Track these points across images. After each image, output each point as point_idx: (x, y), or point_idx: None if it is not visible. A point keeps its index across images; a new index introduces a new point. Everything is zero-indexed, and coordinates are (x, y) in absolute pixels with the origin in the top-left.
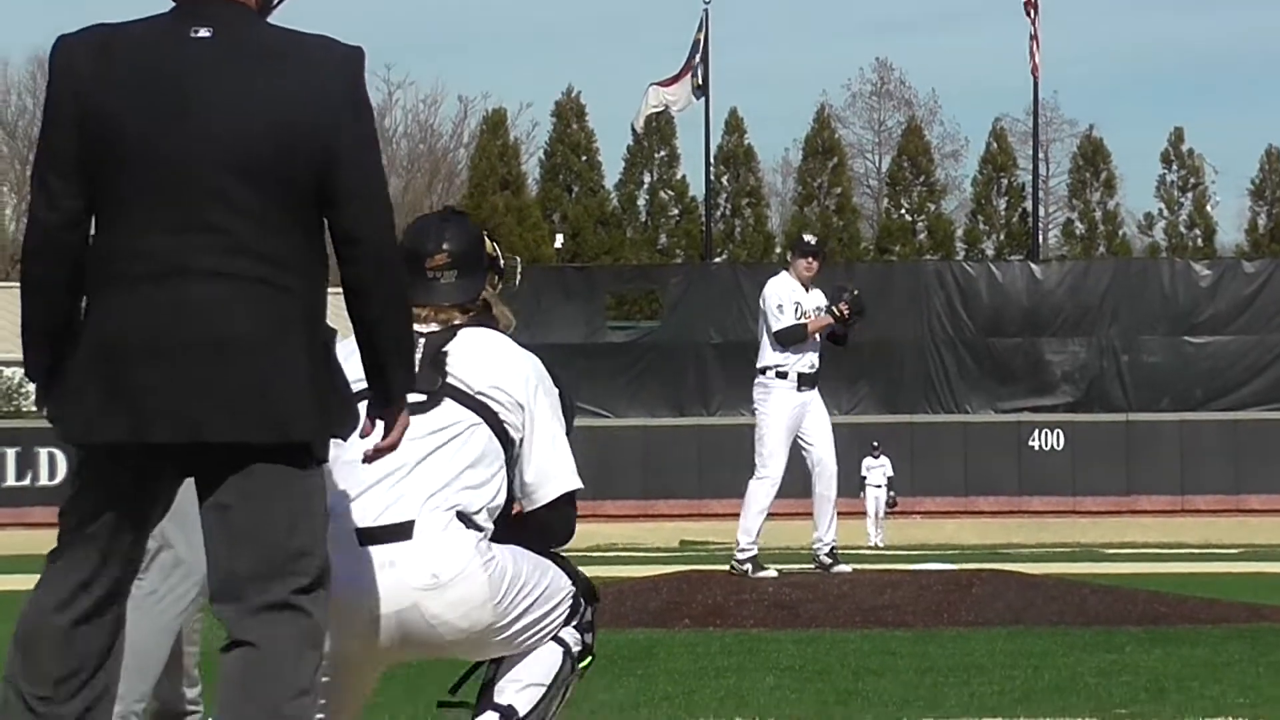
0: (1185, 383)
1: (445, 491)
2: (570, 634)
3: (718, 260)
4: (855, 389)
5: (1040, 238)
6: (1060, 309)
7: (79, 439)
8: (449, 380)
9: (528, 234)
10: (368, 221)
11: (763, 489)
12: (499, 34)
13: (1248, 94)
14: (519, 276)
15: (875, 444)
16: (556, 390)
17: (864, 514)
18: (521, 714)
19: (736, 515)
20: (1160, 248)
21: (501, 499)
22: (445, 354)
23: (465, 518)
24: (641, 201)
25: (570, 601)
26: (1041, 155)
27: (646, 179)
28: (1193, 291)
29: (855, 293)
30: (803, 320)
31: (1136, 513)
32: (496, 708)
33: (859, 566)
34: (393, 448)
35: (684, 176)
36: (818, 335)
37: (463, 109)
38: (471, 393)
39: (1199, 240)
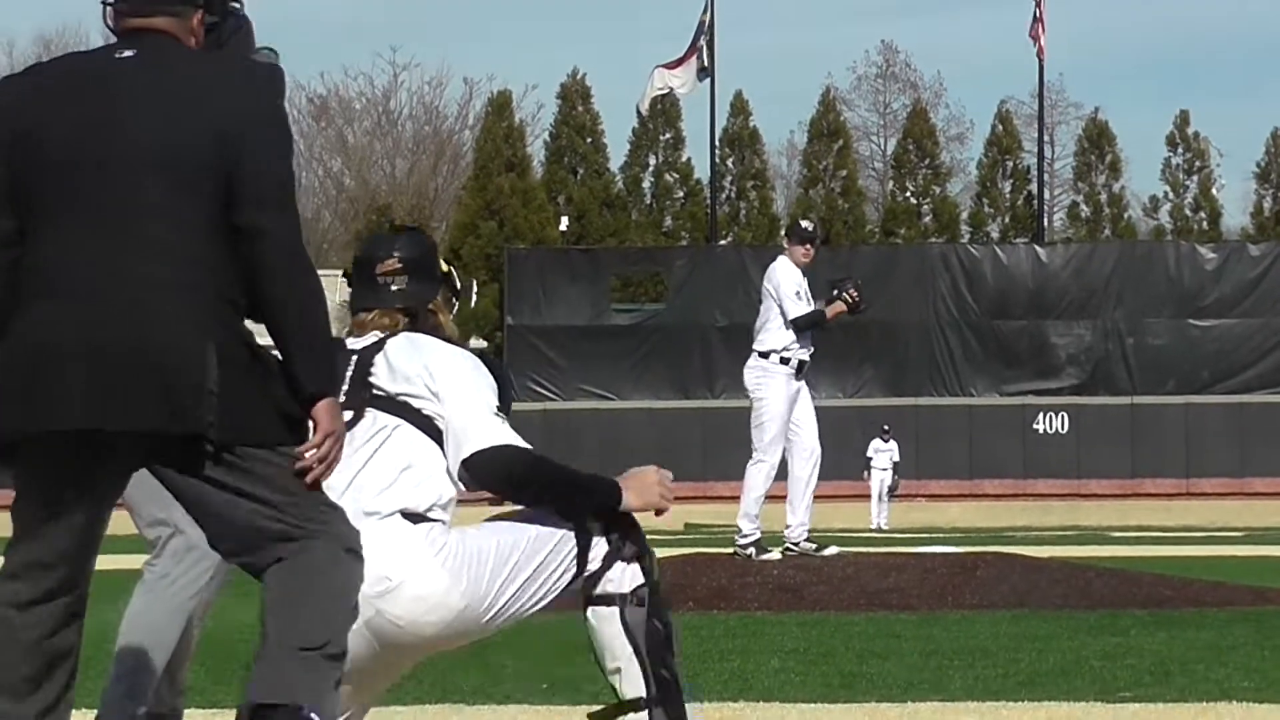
0: (1190, 366)
1: (384, 496)
2: (610, 583)
3: (722, 243)
4: (860, 372)
5: (1045, 220)
6: (1065, 292)
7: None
8: (373, 392)
9: (533, 216)
10: (270, 216)
11: (763, 473)
12: (504, 16)
13: (1253, 77)
14: (475, 297)
15: (886, 428)
16: (490, 375)
17: (868, 496)
18: (650, 693)
19: (740, 497)
20: (1165, 231)
21: (450, 490)
22: (371, 365)
23: (410, 515)
24: (646, 184)
25: (571, 544)
26: (1047, 138)
27: (651, 161)
28: (1198, 275)
29: (858, 281)
30: (821, 307)
31: (1141, 495)
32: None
33: (862, 550)
34: (323, 457)
35: (689, 159)
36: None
37: (468, 91)
38: (390, 394)
39: (1204, 223)
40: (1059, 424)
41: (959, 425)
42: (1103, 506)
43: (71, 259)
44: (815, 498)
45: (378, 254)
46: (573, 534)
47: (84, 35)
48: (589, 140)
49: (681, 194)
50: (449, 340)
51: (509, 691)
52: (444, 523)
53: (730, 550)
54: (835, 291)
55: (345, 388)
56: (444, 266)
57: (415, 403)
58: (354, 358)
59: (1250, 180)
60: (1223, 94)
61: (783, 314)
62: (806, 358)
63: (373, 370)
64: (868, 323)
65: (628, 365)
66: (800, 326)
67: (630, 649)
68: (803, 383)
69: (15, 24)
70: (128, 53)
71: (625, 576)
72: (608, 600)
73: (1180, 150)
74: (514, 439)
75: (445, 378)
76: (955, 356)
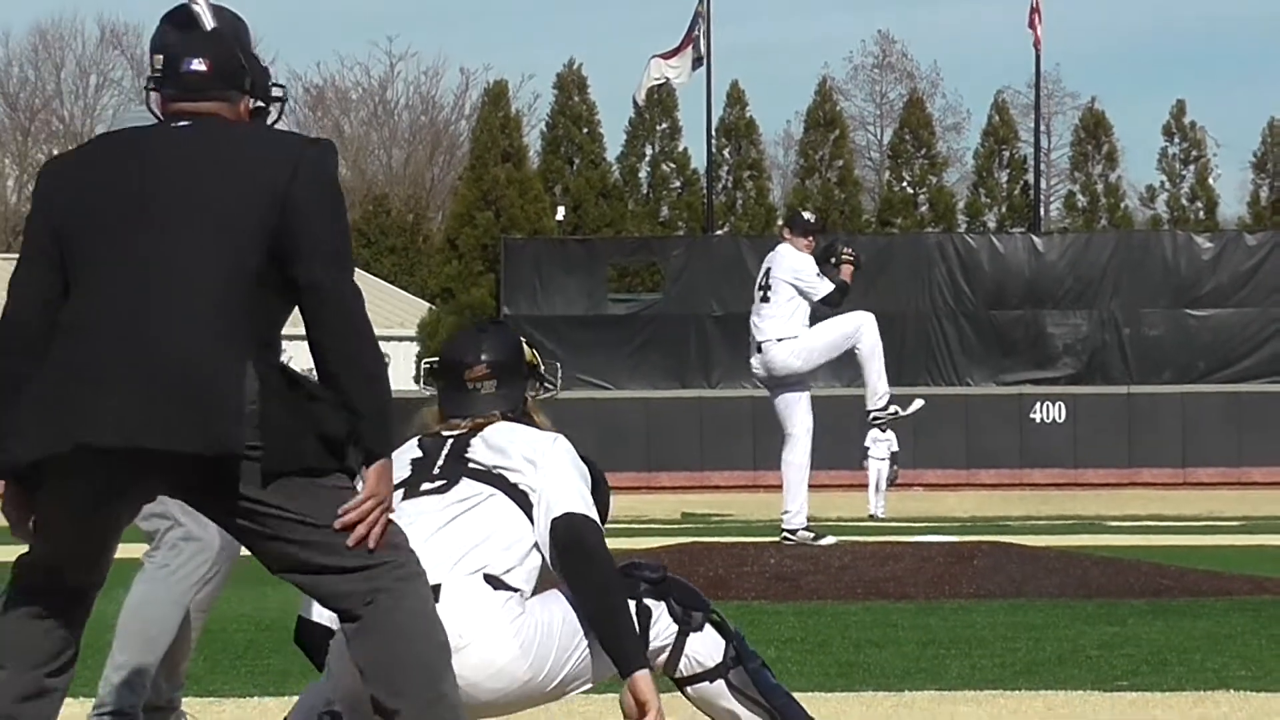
0: (1187, 355)
1: (471, 555)
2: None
3: (719, 232)
4: (856, 361)
5: (1042, 210)
6: (1062, 281)
7: (26, 456)
8: (469, 465)
9: (529, 206)
10: (328, 274)
11: (808, 451)
12: (501, 6)
13: (1250, 67)
14: (560, 381)
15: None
16: (584, 465)
17: (864, 485)
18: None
19: (738, 487)
20: (1162, 220)
21: (535, 560)
22: (468, 446)
23: (493, 579)
24: (643, 174)
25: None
26: (1043, 128)
27: (648, 151)
28: (1194, 264)
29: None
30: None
31: (1138, 485)
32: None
33: (858, 539)
34: (361, 516)
35: (685, 149)
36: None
37: (464, 81)
38: (486, 468)
39: (1201, 213)
40: (1056, 413)
41: (955, 415)
42: (1099, 496)
43: (111, 300)
44: (810, 486)
45: (465, 359)
46: (633, 606)
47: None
48: (585, 130)
49: (678, 184)
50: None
51: None
52: (523, 593)
53: (731, 539)
54: (833, 259)
55: (440, 463)
56: (527, 353)
57: (511, 476)
58: (450, 440)
59: (1247, 170)
60: (1219, 84)
61: (807, 296)
62: None
63: (469, 448)
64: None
65: (624, 354)
66: (835, 302)
67: (748, 706)
68: None
69: (10, 15)
70: (182, 122)
71: (708, 646)
72: (707, 677)
73: (1177, 140)
74: (589, 512)
75: (544, 455)
76: (952, 346)
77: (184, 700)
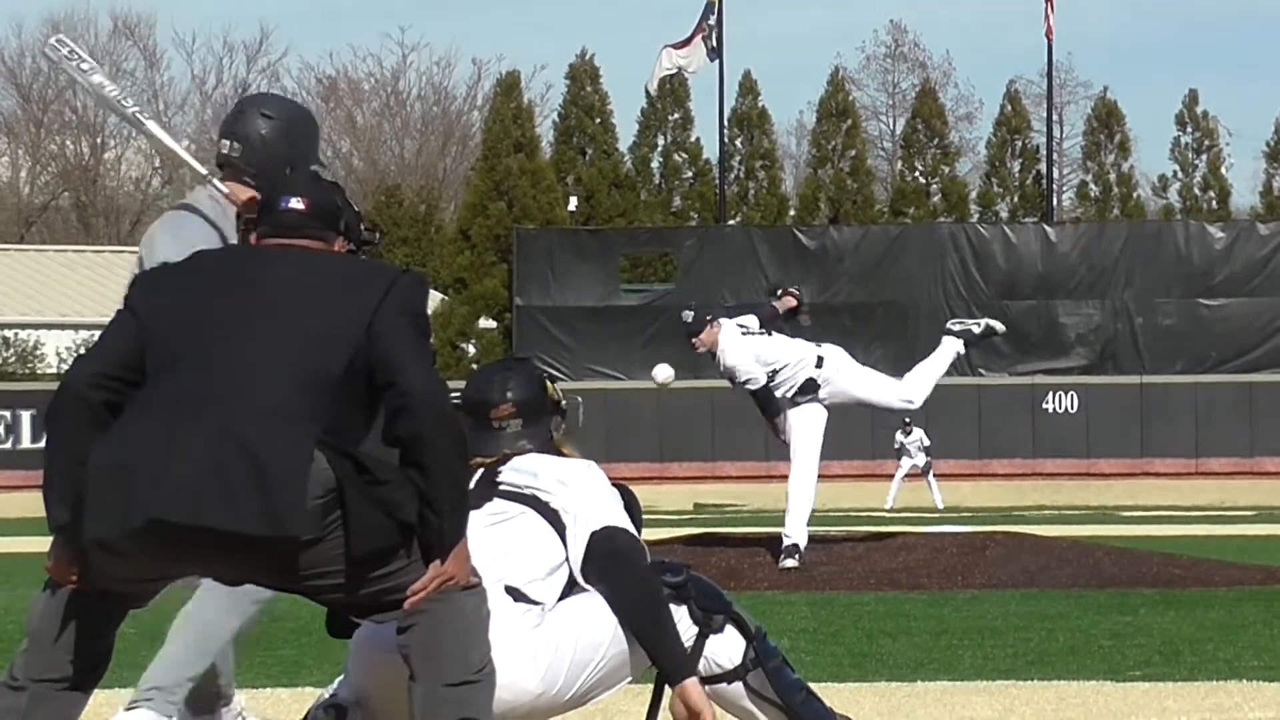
0: (1200, 345)
1: (493, 566)
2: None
3: (731, 223)
4: (869, 351)
5: (1055, 200)
6: (1074, 271)
7: (100, 534)
8: (499, 487)
9: (541, 197)
10: (414, 383)
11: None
12: None
13: (1262, 56)
14: (581, 416)
15: (906, 420)
16: (617, 490)
17: (876, 476)
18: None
19: (751, 477)
20: (1175, 210)
21: (562, 573)
22: (498, 473)
23: (513, 591)
24: (655, 164)
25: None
26: (1056, 117)
27: (660, 141)
28: (1207, 254)
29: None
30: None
31: (1151, 475)
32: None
33: (871, 529)
34: (443, 581)
35: (698, 139)
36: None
37: (476, 72)
38: (518, 488)
39: (1213, 203)
40: (1068, 403)
41: (968, 405)
42: (1112, 486)
43: (186, 387)
44: (822, 476)
45: (490, 398)
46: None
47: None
48: (598, 120)
49: (690, 174)
50: None
51: None
52: (544, 606)
53: (740, 530)
54: (778, 291)
55: (470, 488)
56: (551, 391)
57: (543, 495)
58: (480, 469)
59: (1259, 159)
60: (1232, 73)
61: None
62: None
63: (499, 473)
64: (876, 303)
65: (637, 345)
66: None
67: (765, 705)
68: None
69: (23, 6)
70: (272, 251)
71: (728, 648)
72: (725, 679)
73: (1189, 129)
74: (628, 526)
75: (577, 477)
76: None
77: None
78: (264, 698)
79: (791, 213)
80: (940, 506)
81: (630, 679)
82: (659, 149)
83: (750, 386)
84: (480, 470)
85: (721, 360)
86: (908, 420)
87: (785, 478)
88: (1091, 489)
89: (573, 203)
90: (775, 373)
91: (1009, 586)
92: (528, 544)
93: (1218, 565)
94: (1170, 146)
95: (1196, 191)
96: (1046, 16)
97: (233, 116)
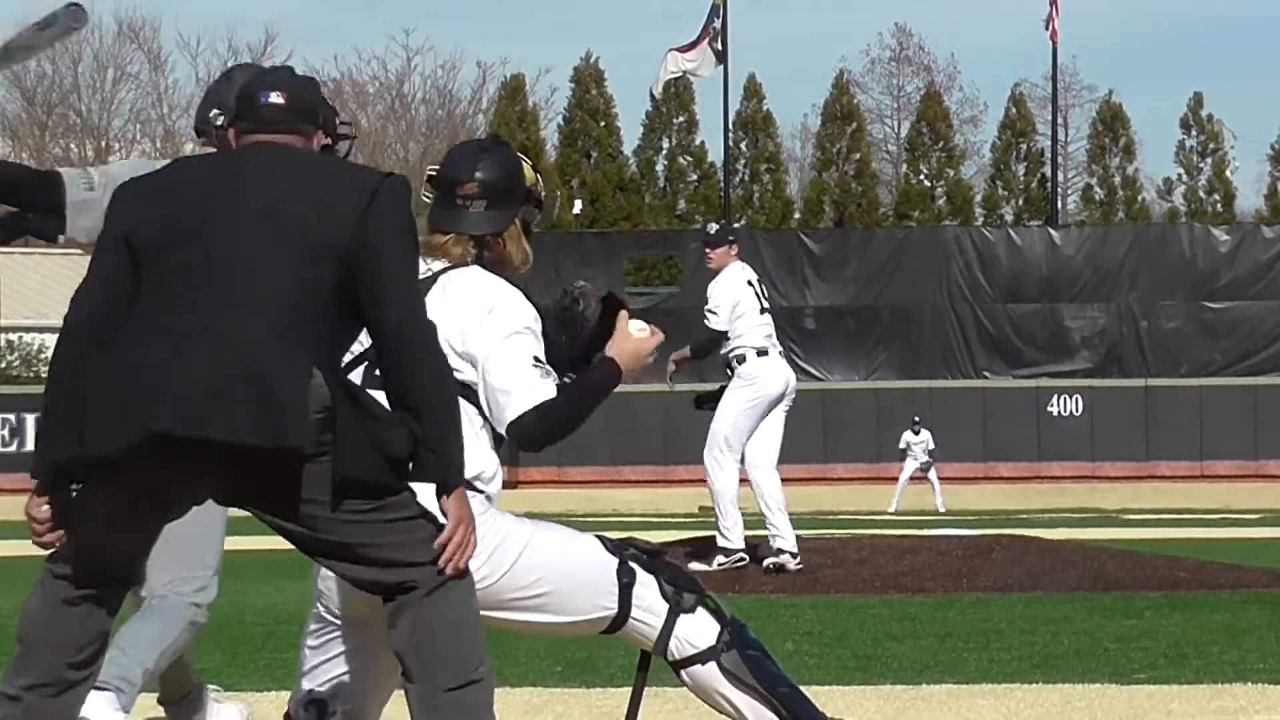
0: (1204, 348)
1: None
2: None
3: (736, 226)
4: (874, 355)
5: (1059, 203)
6: (1079, 275)
7: (104, 449)
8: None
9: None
10: (401, 312)
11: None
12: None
13: (1267, 59)
14: (557, 211)
15: (916, 419)
16: (530, 316)
17: (880, 479)
18: (784, 715)
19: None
20: (1179, 213)
21: (494, 463)
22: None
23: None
24: (660, 167)
25: (614, 577)
26: (1060, 120)
27: (665, 145)
28: (1212, 257)
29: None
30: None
31: (1156, 478)
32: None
33: (877, 533)
34: (459, 543)
35: (703, 142)
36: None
37: (481, 75)
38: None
39: (1218, 205)
40: (1073, 407)
41: (973, 408)
42: (1117, 489)
43: (181, 300)
44: (826, 480)
45: (459, 174)
46: (616, 567)
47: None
48: (602, 124)
49: (695, 177)
50: (514, 269)
51: (522, 674)
52: (488, 497)
53: (745, 533)
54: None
55: None
56: (529, 176)
57: (459, 371)
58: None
59: (1264, 162)
60: (1237, 76)
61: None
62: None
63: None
64: (881, 306)
65: None
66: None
67: (743, 691)
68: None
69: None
70: (250, 151)
71: (699, 628)
72: (699, 659)
73: (1194, 133)
74: (546, 391)
75: (476, 337)
76: (969, 339)
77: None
78: (268, 701)
79: (796, 216)
80: (941, 509)
81: (575, 616)
82: (664, 152)
83: (708, 321)
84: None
85: (713, 285)
86: (917, 420)
87: (790, 481)
88: (1096, 492)
89: (577, 206)
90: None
91: (1014, 590)
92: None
93: (1223, 568)
94: (1175, 150)
95: (1201, 194)
96: (1051, 20)
97: (223, 85)
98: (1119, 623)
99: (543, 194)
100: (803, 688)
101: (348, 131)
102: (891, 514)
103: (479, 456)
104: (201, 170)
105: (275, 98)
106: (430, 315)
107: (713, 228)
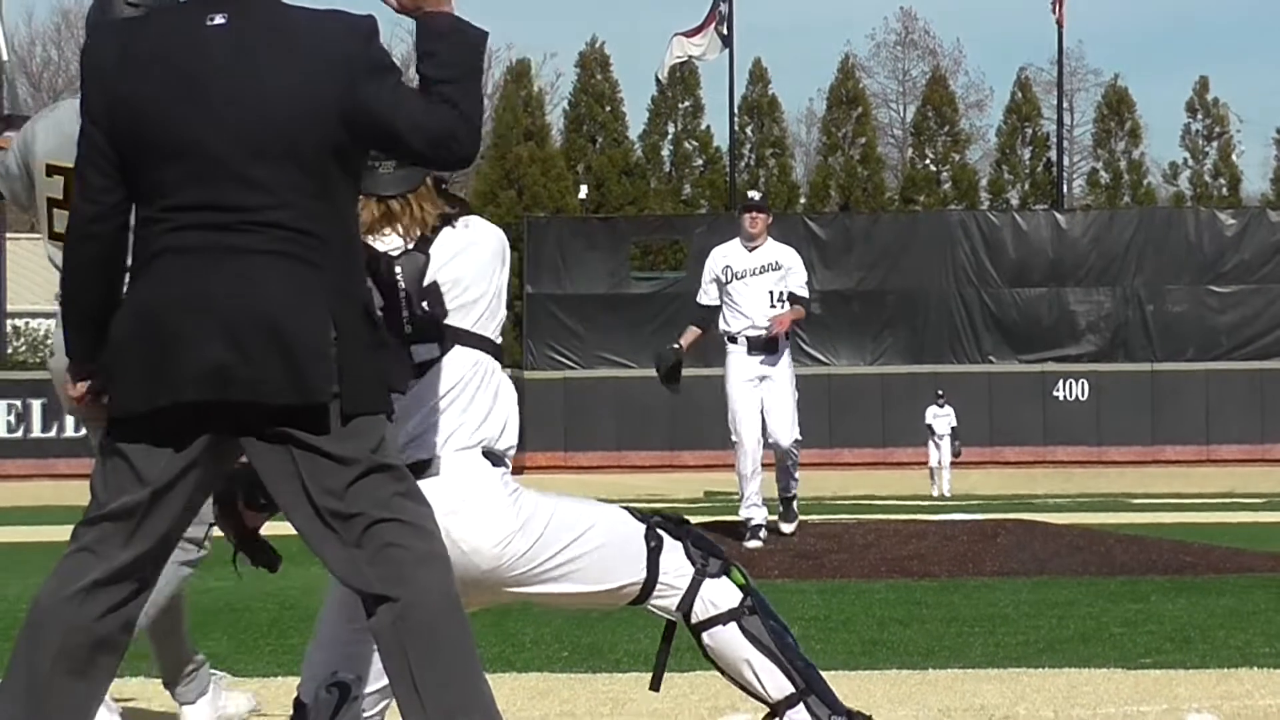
0: (1210, 332)
1: (464, 430)
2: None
3: None
4: (880, 339)
5: (1065, 187)
6: (1085, 259)
7: (129, 409)
8: (449, 323)
9: (552, 185)
10: (422, 118)
11: (736, 454)
12: None
13: (1273, 43)
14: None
15: (940, 392)
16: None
17: (890, 464)
18: (799, 685)
19: (762, 465)
20: (1185, 197)
21: (513, 435)
22: (436, 286)
23: (490, 454)
24: (666, 152)
25: (640, 541)
26: (1066, 105)
27: (671, 129)
28: (1218, 241)
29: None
30: (697, 321)
31: (1162, 462)
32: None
33: (884, 518)
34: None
35: (708, 127)
36: (768, 298)
37: (486, 60)
38: (467, 328)
39: (1224, 189)
40: (1079, 391)
41: (979, 392)
42: (1123, 473)
43: (180, 231)
44: (833, 465)
45: None
46: (643, 532)
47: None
48: (608, 109)
49: (700, 162)
50: (421, 231)
51: (529, 659)
52: (508, 468)
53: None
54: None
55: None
56: None
57: (487, 332)
58: (398, 269)
59: (1270, 146)
60: (1242, 60)
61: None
62: (754, 334)
63: (439, 293)
64: (886, 290)
65: (647, 333)
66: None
67: (763, 654)
68: (773, 363)
69: None
70: (218, 19)
71: (723, 592)
72: (721, 620)
73: (1200, 117)
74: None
75: (463, 273)
76: (975, 324)
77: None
78: (275, 686)
79: (802, 201)
80: (935, 494)
81: (605, 585)
82: (669, 137)
83: (807, 290)
84: (398, 269)
85: (794, 255)
86: (941, 394)
87: (799, 465)
88: (1102, 476)
89: (583, 191)
90: (735, 307)
91: (1020, 574)
92: (498, 405)
93: (1229, 552)
94: (1181, 134)
95: (1207, 178)
96: (1058, 4)
97: None
98: (1125, 607)
99: None
100: None
101: None
102: (949, 498)
103: (509, 424)
104: (166, 41)
105: None
106: (445, 294)
107: (757, 195)
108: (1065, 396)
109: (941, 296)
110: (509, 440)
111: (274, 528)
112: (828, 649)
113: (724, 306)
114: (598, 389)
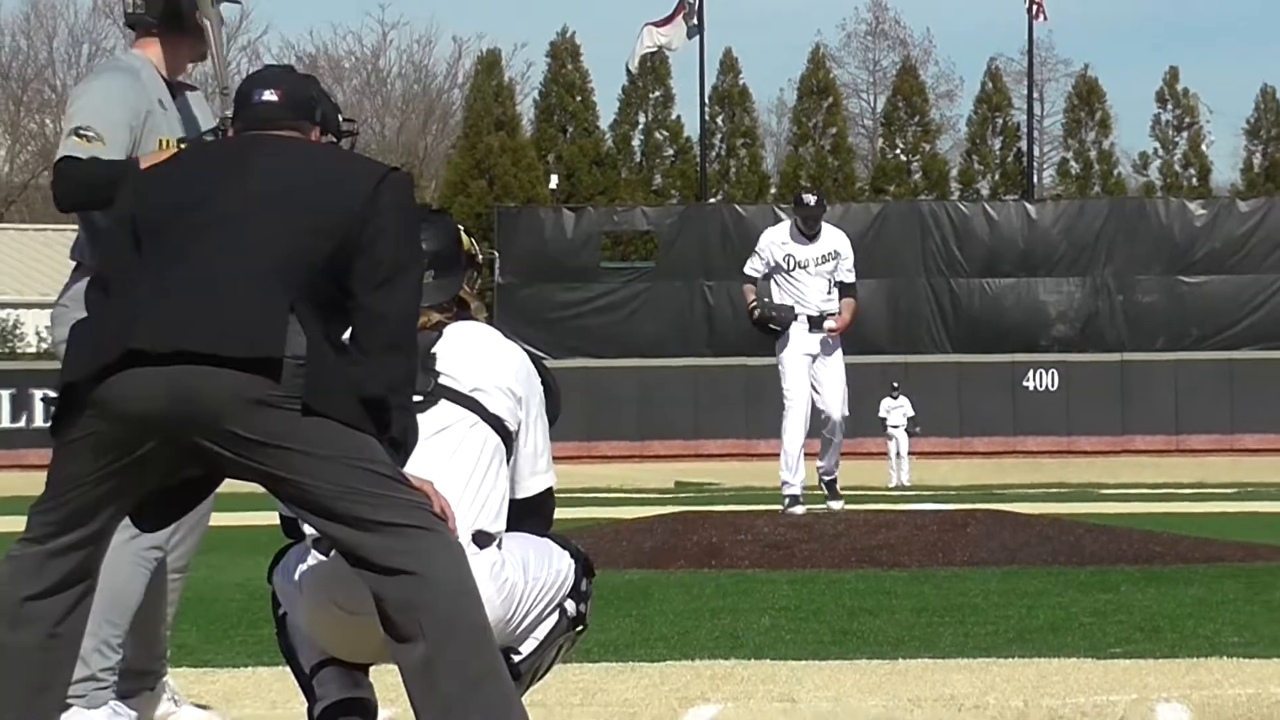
0: (1180, 322)
1: (459, 510)
2: (568, 602)
3: (712, 200)
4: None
5: (1035, 177)
6: (1055, 248)
7: (78, 373)
8: (441, 380)
9: (523, 175)
10: (393, 305)
11: (785, 420)
12: None
13: (1243, 33)
14: (497, 269)
15: (895, 384)
16: (544, 383)
17: (885, 455)
18: (514, 662)
19: (732, 455)
20: (1155, 187)
21: (507, 495)
22: (434, 355)
23: (481, 536)
24: (636, 142)
25: (571, 579)
26: (1036, 95)
27: (641, 119)
28: (1188, 231)
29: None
30: (750, 283)
31: (1131, 452)
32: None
33: (873, 507)
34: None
35: (679, 117)
36: (827, 284)
37: (457, 50)
38: (464, 390)
39: (1194, 180)
40: (1049, 381)
41: (948, 382)
42: (1093, 463)
43: (169, 260)
44: (805, 454)
45: None
46: (575, 570)
47: None
48: (578, 99)
49: (671, 152)
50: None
51: None
52: (500, 534)
53: (721, 508)
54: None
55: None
56: (466, 242)
57: (487, 401)
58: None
59: (1240, 137)
60: (1212, 51)
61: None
62: (813, 313)
63: (435, 359)
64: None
65: (617, 323)
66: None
67: (541, 637)
68: (826, 341)
69: None
70: (265, 135)
71: (577, 608)
72: (559, 608)
73: (1170, 107)
74: (555, 479)
75: (523, 387)
76: (945, 313)
77: (175, 670)
78: (245, 676)
79: (773, 190)
80: (894, 484)
81: (554, 608)
82: (640, 127)
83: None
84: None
85: (846, 241)
86: (896, 386)
87: (767, 456)
88: (1072, 466)
89: (554, 181)
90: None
91: (990, 564)
92: (490, 474)
93: (1198, 542)
94: (1151, 124)
95: (1177, 168)
96: (1038, 6)
97: None
98: (1094, 597)
99: (479, 258)
100: (778, 663)
101: (350, 128)
102: (907, 487)
103: (505, 496)
104: (210, 152)
105: (269, 95)
106: (448, 363)
107: (813, 198)
108: (1035, 386)
109: (912, 286)
110: (494, 509)
111: (245, 518)
112: (798, 639)
113: (778, 287)
114: (567, 379)
